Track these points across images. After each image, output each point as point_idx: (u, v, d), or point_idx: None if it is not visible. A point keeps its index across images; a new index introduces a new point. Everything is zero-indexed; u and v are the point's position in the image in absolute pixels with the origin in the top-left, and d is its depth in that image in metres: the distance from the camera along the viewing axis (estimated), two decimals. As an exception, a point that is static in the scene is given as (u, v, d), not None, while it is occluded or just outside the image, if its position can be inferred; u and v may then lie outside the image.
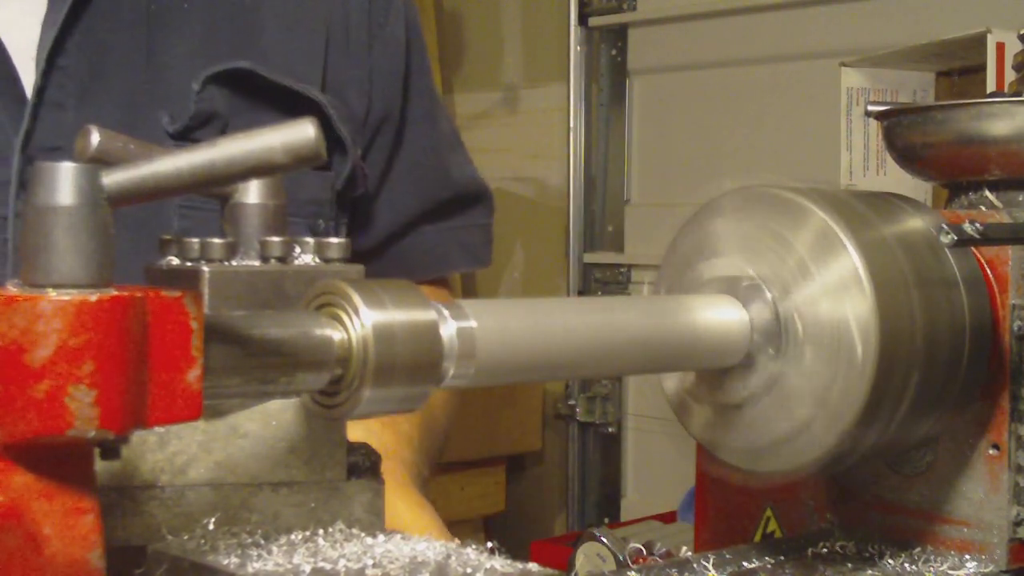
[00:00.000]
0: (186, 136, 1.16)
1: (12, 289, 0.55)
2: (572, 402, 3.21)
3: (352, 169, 1.27)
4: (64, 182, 0.56)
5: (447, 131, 1.46)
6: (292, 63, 1.23)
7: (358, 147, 1.29)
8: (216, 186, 0.59)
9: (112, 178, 0.57)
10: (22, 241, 0.56)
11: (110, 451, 0.58)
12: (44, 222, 0.55)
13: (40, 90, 1.12)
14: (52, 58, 1.12)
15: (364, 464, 0.82)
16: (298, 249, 0.78)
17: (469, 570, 0.67)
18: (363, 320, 0.64)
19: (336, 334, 0.64)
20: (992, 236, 0.88)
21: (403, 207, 1.38)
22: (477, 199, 1.48)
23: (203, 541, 0.71)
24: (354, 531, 0.75)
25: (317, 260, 0.78)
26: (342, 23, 1.28)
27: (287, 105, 1.21)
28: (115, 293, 0.55)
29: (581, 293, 3.21)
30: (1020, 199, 0.98)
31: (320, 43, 1.26)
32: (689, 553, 0.97)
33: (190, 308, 0.58)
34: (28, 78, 1.13)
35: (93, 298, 0.54)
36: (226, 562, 0.67)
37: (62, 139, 1.12)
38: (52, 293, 0.54)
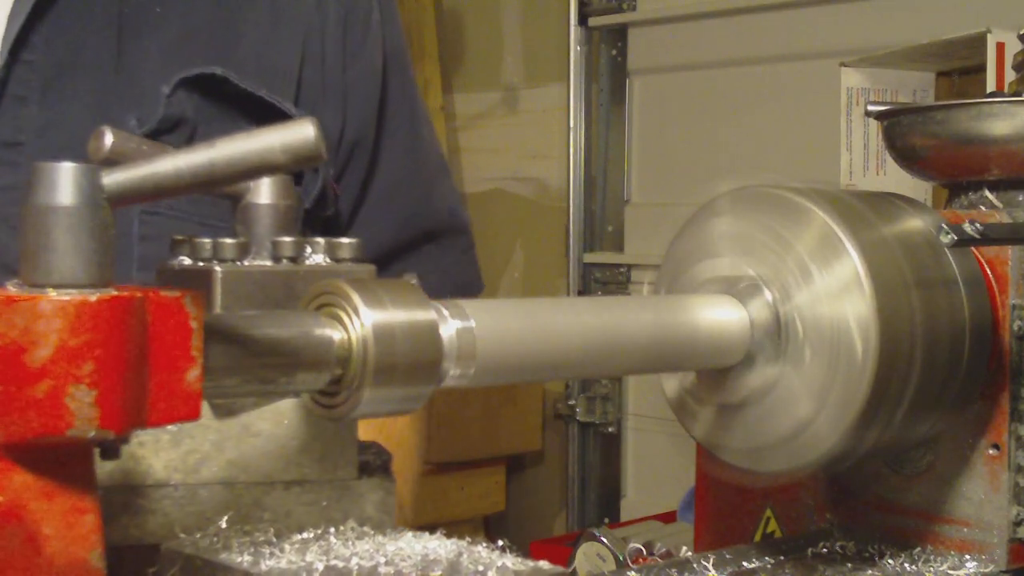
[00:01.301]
0: (152, 140, 1.15)
1: (12, 289, 0.55)
2: (572, 402, 3.21)
3: (322, 187, 1.26)
4: (64, 182, 0.56)
5: (432, 160, 1.43)
6: (266, 75, 1.22)
7: (330, 166, 1.28)
8: (216, 186, 0.60)
9: (112, 178, 0.57)
10: (22, 241, 0.56)
11: (110, 451, 0.58)
12: (44, 222, 0.55)
13: (1, 82, 1.10)
14: (16, 51, 1.11)
15: (375, 463, 0.83)
16: (309, 249, 0.79)
17: (481, 568, 0.67)
18: (363, 320, 0.64)
19: (336, 334, 0.65)
20: (992, 236, 0.88)
21: (380, 235, 1.34)
22: (459, 232, 1.47)
23: (216, 539, 0.71)
24: (366, 529, 0.75)
25: (328, 260, 0.79)
26: (318, 42, 1.27)
27: (258, 116, 1.19)
28: (115, 293, 0.55)
29: (581, 293, 3.21)
30: (1020, 199, 0.98)
31: (295, 59, 1.25)
32: (689, 553, 0.97)
33: (190, 308, 0.58)
34: None
35: (93, 298, 0.54)
36: (239, 560, 0.68)
37: (23, 133, 1.11)
38: (52, 293, 0.54)
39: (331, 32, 1.28)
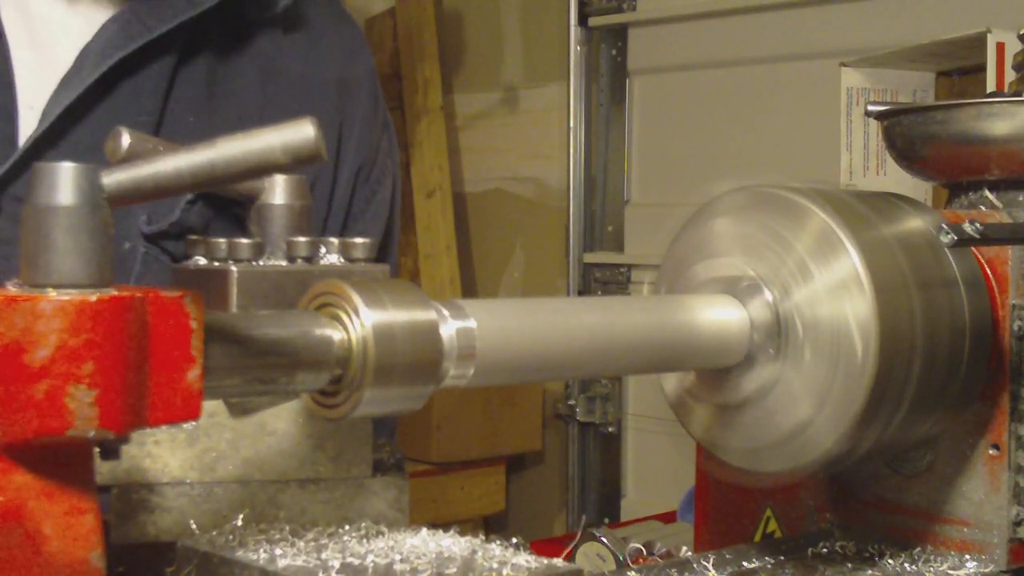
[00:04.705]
0: (156, 240, 1.16)
1: (12, 289, 0.55)
2: (572, 402, 3.21)
3: None
4: (64, 182, 0.56)
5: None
6: None
7: None
8: (217, 186, 0.60)
9: (112, 178, 0.57)
10: (22, 241, 0.56)
11: (110, 451, 0.58)
12: (44, 222, 0.55)
13: (38, 144, 1.11)
14: (65, 124, 1.11)
15: (389, 461, 0.83)
16: (323, 249, 0.79)
17: (495, 565, 0.67)
18: (363, 320, 0.64)
19: (336, 334, 0.64)
20: (992, 236, 0.88)
21: None
22: None
23: (232, 537, 0.71)
24: (381, 527, 0.75)
25: (342, 260, 0.79)
26: (328, 184, 1.28)
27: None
28: (115, 293, 0.55)
29: (581, 293, 3.21)
30: (1020, 199, 0.98)
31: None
32: (689, 553, 0.97)
33: (190, 308, 0.58)
34: (23, 124, 1.12)
35: (93, 298, 0.54)
36: (255, 558, 0.68)
37: None
38: (52, 293, 0.54)
39: (342, 185, 1.29)
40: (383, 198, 1.34)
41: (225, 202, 1.18)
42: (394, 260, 1.41)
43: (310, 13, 1.30)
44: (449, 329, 0.69)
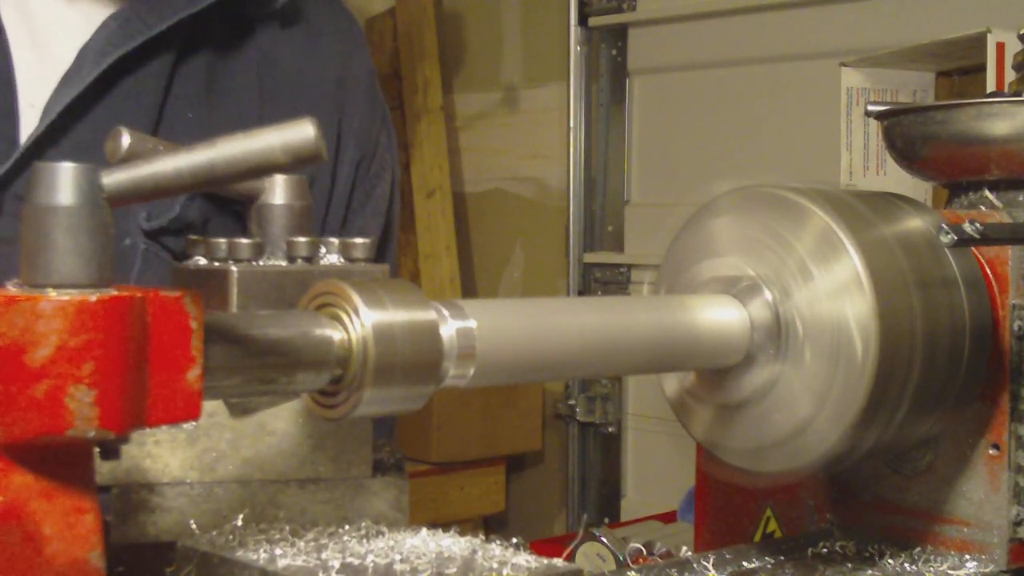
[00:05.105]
0: (156, 236, 1.15)
1: (12, 289, 0.55)
2: (572, 402, 3.21)
3: None
4: (64, 182, 0.56)
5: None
6: None
7: None
8: (216, 186, 0.60)
9: (112, 178, 0.57)
10: (22, 241, 0.56)
11: (110, 451, 0.58)
12: (44, 222, 0.55)
13: (39, 143, 1.11)
14: (66, 122, 1.11)
15: (389, 461, 0.83)
16: (323, 249, 0.79)
17: (495, 565, 0.67)
18: (363, 320, 0.64)
19: (336, 334, 0.64)
20: (992, 236, 0.88)
21: None
22: None
23: (232, 537, 0.71)
24: (381, 527, 0.75)
25: (342, 260, 0.79)
26: (328, 178, 1.28)
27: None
28: (115, 293, 0.55)
29: (581, 293, 3.21)
30: (1020, 199, 0.98)
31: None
32: (689, 553, 0.97)
33: (190, 308, 0.58)
34: (24, 123, 1.12)
35: (93, 298, 0.54)
36: (255, 558, 0.68)
37: None
38: (52, 293, 0.54)
39: (342, 180, 1.29)
40: (382, 192, 1.34)
41: (225, 199, 1.18)
42: (393, 256, 1.41)
43: (308, 9, 1.30)
44: (449, 329, 0.69)
